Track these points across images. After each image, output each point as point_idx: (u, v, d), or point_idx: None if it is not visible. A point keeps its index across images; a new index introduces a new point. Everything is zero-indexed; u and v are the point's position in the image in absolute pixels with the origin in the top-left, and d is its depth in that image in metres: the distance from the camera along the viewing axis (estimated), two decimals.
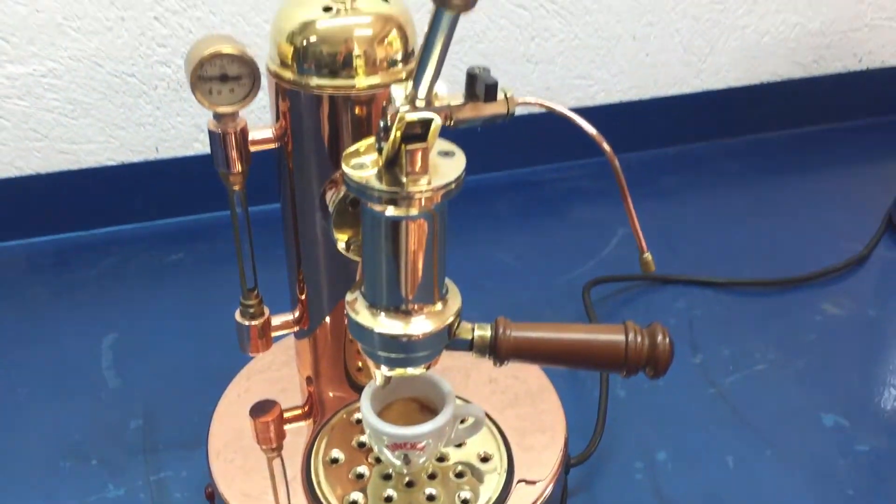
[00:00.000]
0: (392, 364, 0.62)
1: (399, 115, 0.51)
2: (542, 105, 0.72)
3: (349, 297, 0.62)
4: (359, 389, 0.77)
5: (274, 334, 0.75)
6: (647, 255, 0.77)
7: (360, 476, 0.69)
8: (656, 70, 1.25)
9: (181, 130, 1.09)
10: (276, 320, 0.75)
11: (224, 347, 0.92)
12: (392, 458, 0.66)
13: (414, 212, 0.56)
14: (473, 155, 1.24)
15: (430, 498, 0.67)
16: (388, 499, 0.67)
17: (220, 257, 1.08)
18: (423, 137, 0.54)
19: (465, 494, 0.67)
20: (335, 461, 0.71)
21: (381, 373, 0.64)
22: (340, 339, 0.75)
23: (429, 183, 0.55)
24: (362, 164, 0.56)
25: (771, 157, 1.32)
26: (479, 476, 0.69)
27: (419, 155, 0.54)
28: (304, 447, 0.73)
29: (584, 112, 1.22)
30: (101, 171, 1.09)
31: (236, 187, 0.67)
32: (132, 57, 1.02)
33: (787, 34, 1.28)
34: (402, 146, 0.54)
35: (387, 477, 0.69)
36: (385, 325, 0.60)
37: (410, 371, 0.62)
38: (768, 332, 0.95)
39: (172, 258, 1.09)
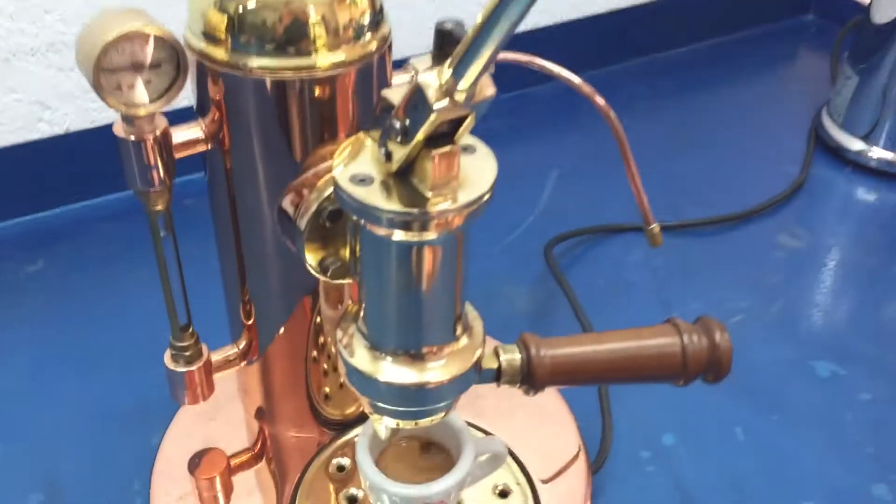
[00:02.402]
0: (402, 417, 0.49)
1: (436, 114, 0.37)
2: (525, 62, 0.60)
3: (341, 333, 0.49)
4: (328, 425, 0.64)
5: (215, 375, 0.60)
6: (654, 227, 0.67)
7: None
8: None
9: (19, 111, 0.88)
10: (217, 357, 0.60)
11: (122, 377, 0.76)
12: None
13: (432, 236, 0.42)
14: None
15: None
16: None
17: (90, 261, 0.89)
18: (449, 137, 0.40)
19: None
20: None
21: (384, 425, 0.51)
22: (302, 365, 0.61)
23: (454, 199, 0.41)
24: (363, 175, 0.42)
25: (677, 75, 1.24)
26: None
27: (448, 161, 0.40)
28: None
29: None
30: None
31: (159, 207, 0.51)
32: None
33: None
34: (426, 151, 0.40)
35: None
36: (393, 372, 0.47)
37: (423, 423, 0.50)
38: (734, 277, 0.88)
39: (30, 269, 0.89)
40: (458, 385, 0.48)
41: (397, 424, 0.50)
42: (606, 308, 0.83)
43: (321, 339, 0.60)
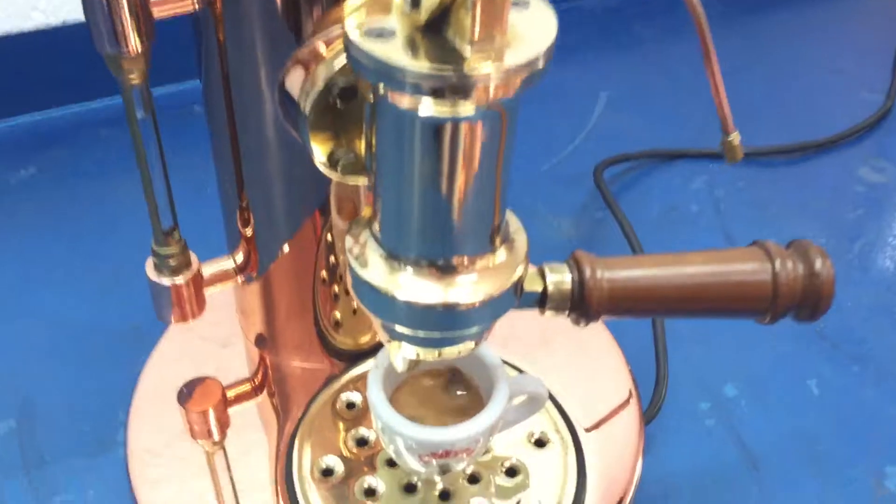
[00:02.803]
0: (424, 345, 0.40)
1: None
2: None
3: (351, 241, 0.39)
4: (338, 355, 0.55)
5: (207, 291, 0.51)
6: (734, 138, 0.56)
7: (372, 492, 0.48)
8: None
9: None
10: (209, 269, 0.52)
11: (113, 294, 0.68)
12: (423, 468, 0.45)
13: (468, 110, 0.32)
14: None
15: None
16: None
17: (87, 168, 0.81)
18: None
19: (528, 501, 0.47)
20: (329, 472, 0.49)
21: (402, 355, 0.42)
22: (308, 285, 0.52)
23: (500, 60, 0.31)
24: (381, 29, 0.32)
25: None
26: (538, 470, 0.49)
27: (493, 7, 0.30)
28: (277, 454, 0.51)
29: None
30: None
31: (135, 79, 0.41)
32: None
33: None
34: None
35: (410, 488, 0.48)
36: (415, 288, 0.37)
37: (449, 353, 0.41)
38: (808, 212, 0.78)
39: (22, 174, 0.80)
40: (494, 308, 0.38)
41: (417, 355, 0.41)
42: (662, 239, 0.73)
43: (332, 256, 0.51)
